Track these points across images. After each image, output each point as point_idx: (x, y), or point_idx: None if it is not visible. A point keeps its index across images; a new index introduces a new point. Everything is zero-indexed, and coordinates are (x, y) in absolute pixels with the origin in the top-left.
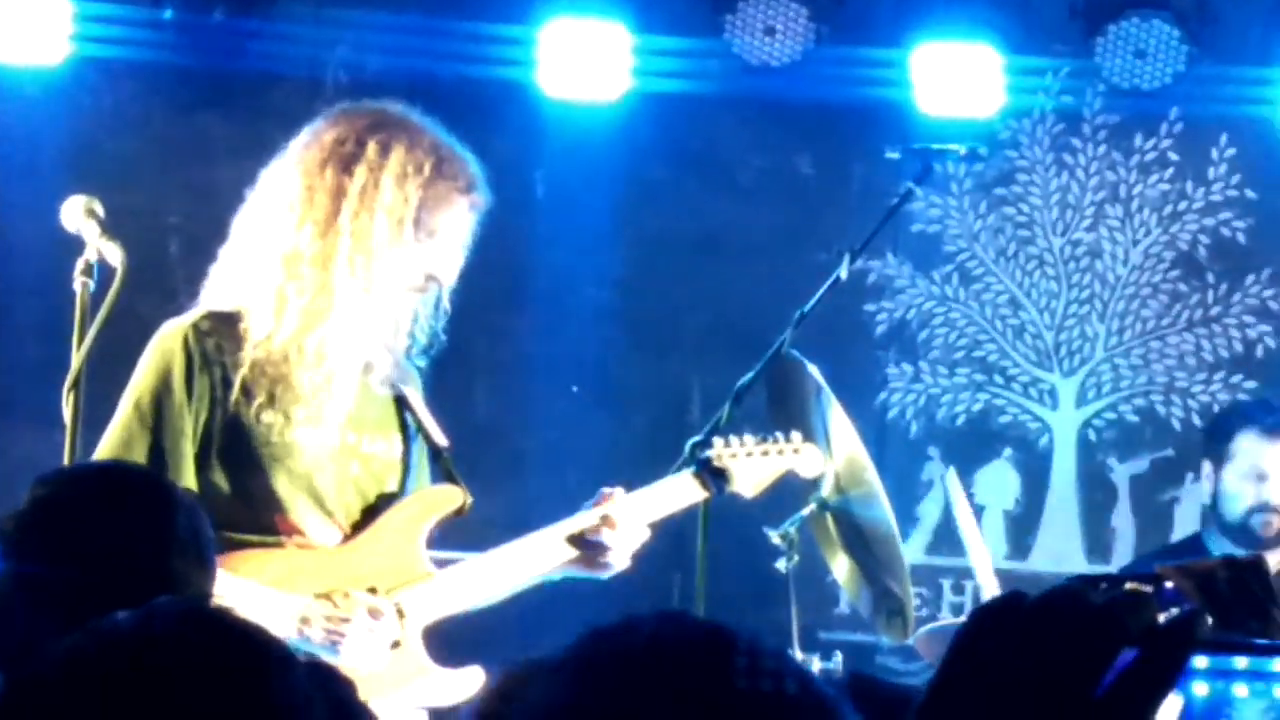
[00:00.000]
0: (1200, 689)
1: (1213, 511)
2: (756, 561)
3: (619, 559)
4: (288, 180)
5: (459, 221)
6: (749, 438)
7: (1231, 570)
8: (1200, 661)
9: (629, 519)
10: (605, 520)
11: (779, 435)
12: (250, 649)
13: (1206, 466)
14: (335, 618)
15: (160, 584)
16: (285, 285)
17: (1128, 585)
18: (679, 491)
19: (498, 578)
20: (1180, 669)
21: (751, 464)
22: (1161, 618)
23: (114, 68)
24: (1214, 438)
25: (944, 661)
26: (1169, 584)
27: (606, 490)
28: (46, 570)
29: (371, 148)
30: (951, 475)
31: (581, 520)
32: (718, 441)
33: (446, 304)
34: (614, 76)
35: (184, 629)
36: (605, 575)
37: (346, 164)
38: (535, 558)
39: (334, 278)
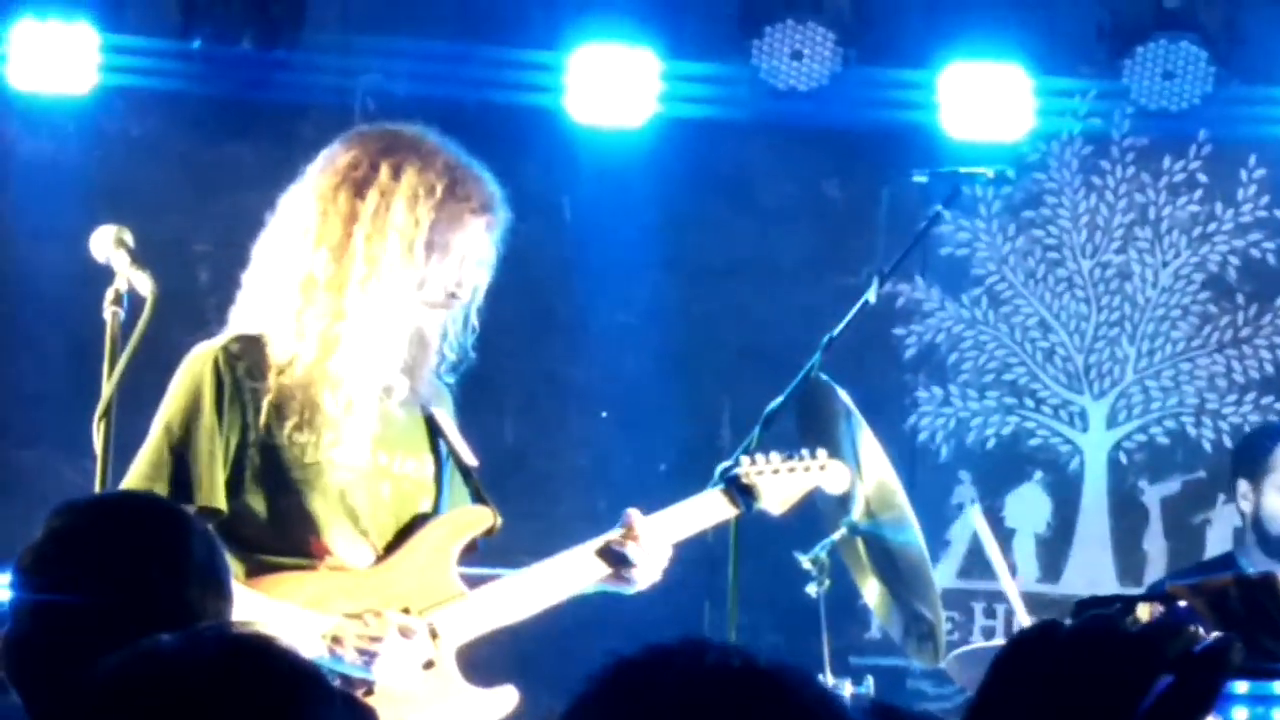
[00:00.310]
0: (1240, 714)
1: (1253, 529)
2: (787, 587)
3: (644, 574)
4: (304, 205)
5: (474, 240)
6: (775, 455)
7: (1243, 588)
8: (1241, 686)
9: (652, 534)
10: (628, 533)
11: (805, 452)
12: (290, 679)
13: (1243, 485)
14: (367, 636)
15: (176, 612)
16: (303, 310)
17: (1140, 605)
18: (707, 509)
19: (530, 596)
20: (1215, 695)
21: (779, 481)
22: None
23: (142, 98)
24: (1250, 456)
25: (981, 688)
26: (1181, 603)
27: (629, 511)
28: (63, 600)
29: (384, 170)
30: (975, 511)
31: (607, 537)
32: (744, 459)
33: (475, 321)
34: (642, 102)
35: (227, 656)
36: (631, 590)
37: (359, 188)
38: (565, 575)
39: (347, 301)
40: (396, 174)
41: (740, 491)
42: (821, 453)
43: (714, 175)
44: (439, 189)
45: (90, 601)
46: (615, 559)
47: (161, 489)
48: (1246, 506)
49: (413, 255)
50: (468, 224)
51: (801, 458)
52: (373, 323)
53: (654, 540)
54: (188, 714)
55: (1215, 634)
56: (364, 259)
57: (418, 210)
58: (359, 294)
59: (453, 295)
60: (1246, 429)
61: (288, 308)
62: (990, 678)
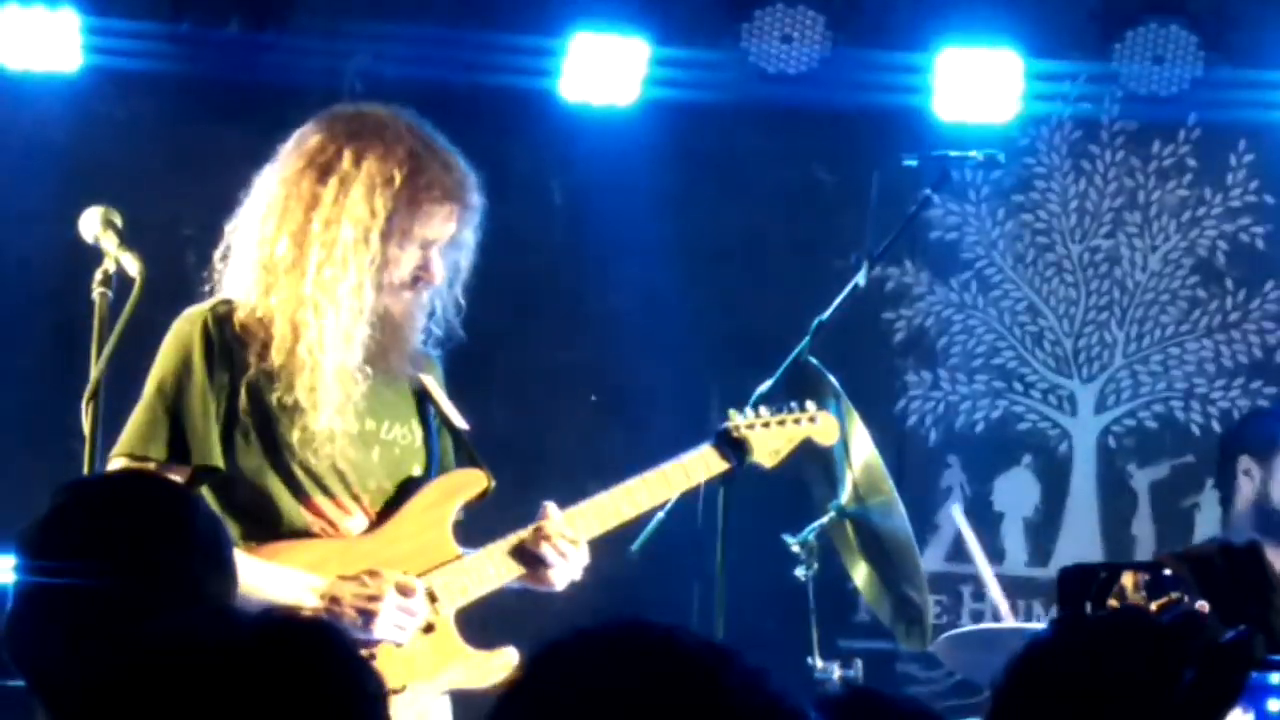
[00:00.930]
0: (1275, 705)
1: (1254, 508)
2: (776, 570)
3: (560, 575)
4: (271, 187)
5: (437, 228)
6: (764, 409)
7: (1228, 556)
8: (1277, 677)
9: (563, 531)
10: (538, 531)
11: (794, 405)
12: (346, 667)
13: (1245, 462)
14: (365, 595)
15: (182, 593)
16: (269, 292)
17: (1125, 573)
18: (699, 464)
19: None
20: (1241, 687)
21: (769, 434)
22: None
23: (130, 79)
24: (1262, 434)
25: (1006, 678)
26: (1167, 571)
27: (545, 505)
28: (68, 582)
29: (346, 157)
30: (956, 511)
31: (520, 535)
32: (734, 414)
33: (462, 300)
34: (631, 85)
35: (283, 637)
36: (550, 590)
37: (322, 173)
38: (492, 567)
39: (306, 286)
40: (358, 161)
41: (731, 446)
42: (810, 405)
43: (704, 158)
44: (398, 177)
45: (96, 583)
46: (528, 559)
47: (157, 449)
48: (1248, 485)
49: (368, 244)
50: (429, 212)
51: (791, 410)
52: (332, 307)
53: (566, 539)
54: (242, 695)
55: (1180, 594)
56: (321, 245)
57: (374, 200)
58: (317, 279)
59: (418, 279)
60: (1236, 414)
61: (258, 287)
62: (1018, 668)
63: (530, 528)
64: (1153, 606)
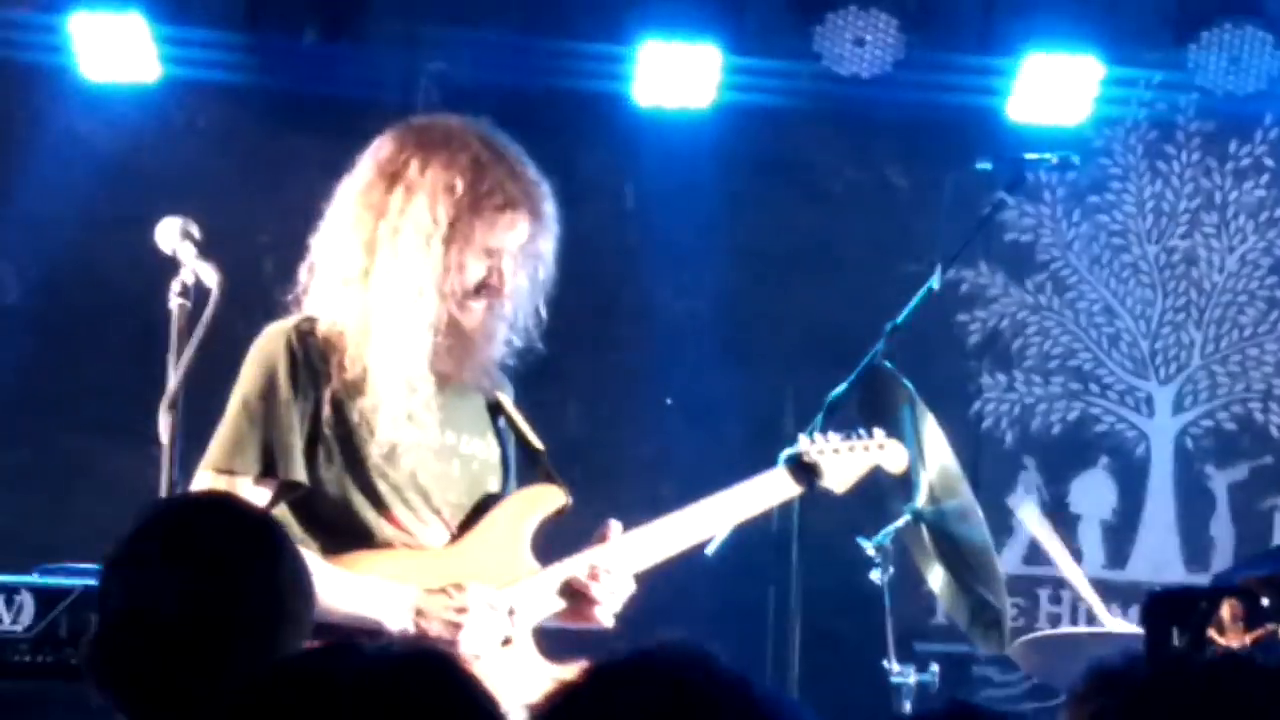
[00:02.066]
0: None
1: None
2: (851, 573)
3: (605, 613)
4: (345, 200)
5: (501, 236)
6: (834, 435)
7: None
8: None
9: (617, 568)
10: (591, 572)
11: (863, 432)
12: (471, 700)
13: None
14: (453, 608)
15: (266, 622)
16: (343, 301)
17: (1224, 604)
18: (772, 487)
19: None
20: None
21: (840, 460)
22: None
23: (207, 89)
24: None
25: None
26: (1265, 600)
27: (610, 524)
28: (154, 606)
29: (413, 165)
30: (1025, 509)
31: (570, 569)
32: (804, 439)
33: (543, 312)
34: (705, 89)
35: (413, 669)
36: (589, 626)
37: (390, 183)
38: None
39: (374, 294)
40: (423, 170)
41: (802, 470)
42: (879, 432)
43: (777, 162)
44: (460, 184)
45: (182, 609)
46: (575, 596)
47: (244, 464)
48: None
49: (429, 249)
50: (491, 219)
51: (860, 437)
52: (396, 315)
53: (618, 576)
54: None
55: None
56: (387, 253)
57: (437, 208)
58: (382, 287)
59: (484, 288)
60: None
61: (335, 300)
62: (1124, 711)
63: (584, 561)
64: (1247, 639)
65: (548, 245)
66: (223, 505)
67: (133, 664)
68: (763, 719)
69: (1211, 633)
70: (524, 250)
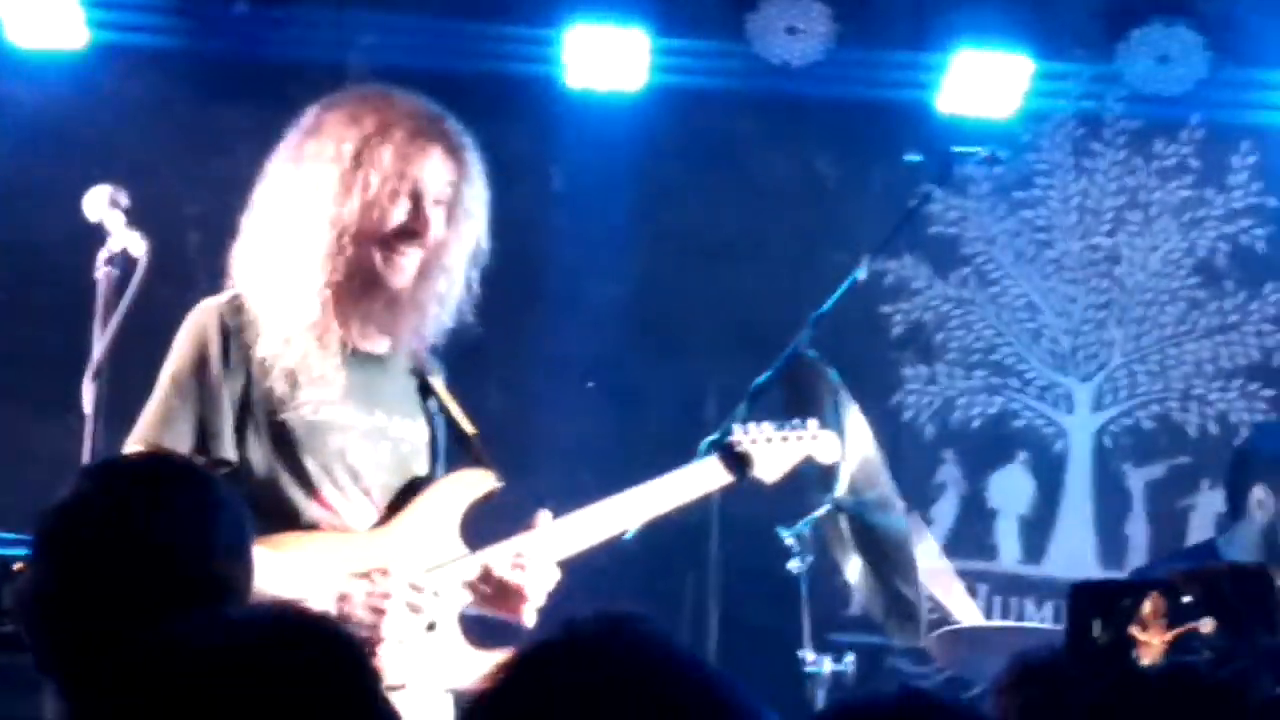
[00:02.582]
0: None
1: (1263, 537)
2: (769, 562)
3: (530, 609)
4: (270, 169)
5: (417, 165)
6: (768, 425)
7: (1238, 578)
8: None
9: (543, 560)
10: (516, 561)
11: (796, 422)
12: (351, 663)
13: (1260, 491)
14: (377, 594)
15: (201, 580)
16: (269, 281)
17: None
18: (703, 476)
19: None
20: None
21: (772, 450)
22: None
23: (136, 56)
24: (1275, 465)
25: None
26: (1186, 598)
27: (540, 513)
28: (90, 565)
29: (320, 118)
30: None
31: (492, 556)
32: (737, 429)
33: (476, 287)
34: (635, 73)
35: (290, 633)
36: (510, 619)
37: (303, 138)
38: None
39: (290, 267)
40: (328, 115)
41: (734, 460)
42: (813, 423)
43: (706, 149)
44: (368, 120)
45: (116, 568)
46: (497, 585)
47: (171, 440)
48: (1260, 514)
49: (335, 180)
50: (404, 148)
51: (794, 427)
52: (314, 280)
53: (541, 566)
54: (252, 689)
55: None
56: (297, 203)
57: (344, 143)
58: (297, 255)
59: (407, 232)
60: (1232, 416)
61: (261, 276)
62: (1050, 700)
63: (508, 549)
64: (1167, 636)
65: (477, 206)
66: (162, 469)
67: (60, 629)
68: (704, 682)
69: (1133, 630)
70: (450, 201)
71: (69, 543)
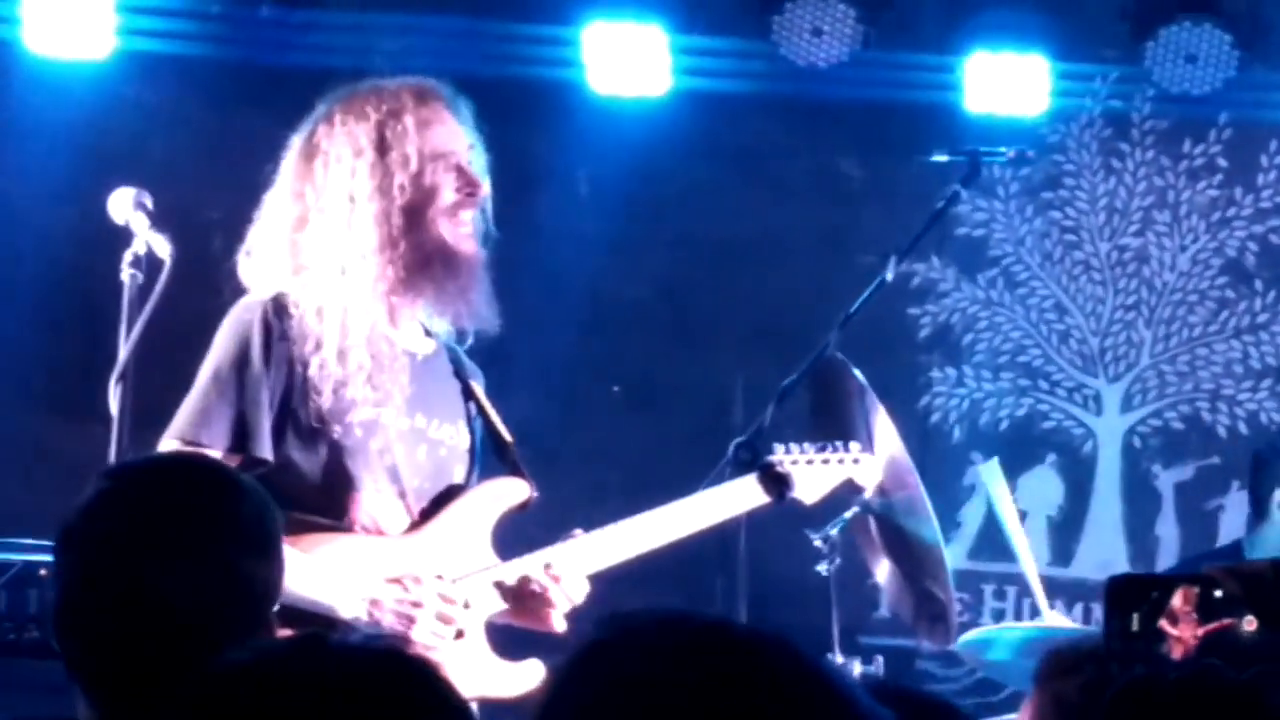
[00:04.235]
0: None
1: None
2: (798, 564)
3: (559, 618)
4: (280, 174)
5: (443, 138)
6: (809, 446)
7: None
8: None
9: (575, 573)
10: (549, 571)
11: (838, 444)
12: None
13: None
14: (407, 601)
15: (226, 580)
16: (303, 274)
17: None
18: (741, 495)
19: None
20: None
21: (813, 472)
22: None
23: (160, 62)
24: None
25: None
26: (1218, 592)
27: (575, 534)
28: (112, 568)
29: (321, 128)
30: (988, 467)
31: (525, 566)
32: (779, 448)
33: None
34: (660, 77)
35: (383, 666)
36: (539, 629)
37: (309, 155)
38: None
39: (327, 253)
40: (330, 121)
41: (774, 480)
42: (854, 445)
43: (732, 151)
44: (369, 110)
45: (140, 570)
46: (527, 595)
47: (208, 438)
48: None
49: (377, 181)
50: (417, 121)
51: (835, 449)
52: (375, 270)
53: (572, 578)
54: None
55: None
56: (332, 215)
57: (358, 139)
58: (339, 252)
59: (465, 193)
60: (1263, 416)
61: (299, 276)
62: (1088, 691)
63: (539, 560)
64: (1200, 631)
65: (475, 152)
66: (184, 468)
67: (89, 632)
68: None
69: (1164, 623)
70: (470, 151)
71: (89, 544)
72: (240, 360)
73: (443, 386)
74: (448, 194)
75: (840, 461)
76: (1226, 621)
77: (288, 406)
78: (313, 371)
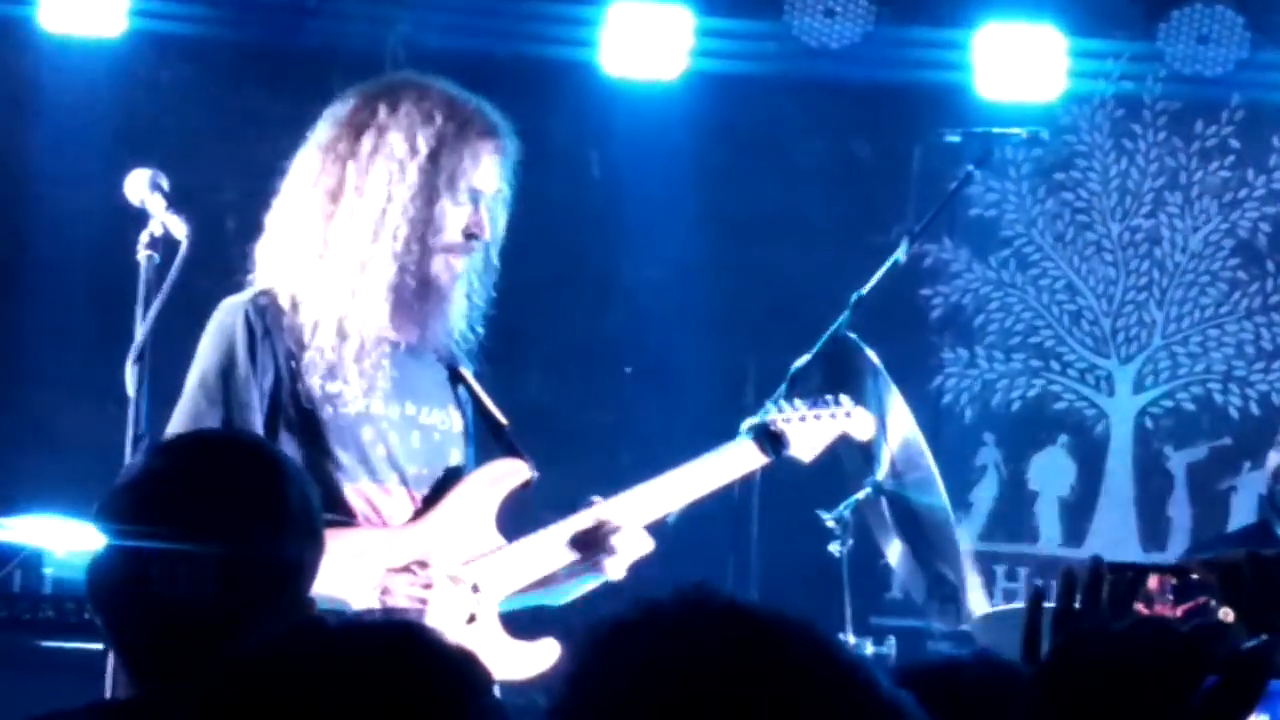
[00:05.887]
0: None
1: None
2: (810, 545)
3: (621, 565)
4: (307, 160)
5: (481, 168)
6: (801, 403)
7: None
8: None
9: (633, 520)
10: (604, 524)
11: (829, 399)
12: (458, 670)
13: None
14: (418, 585)
15: (272, 561)
16: (312, 262)
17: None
18: (739, 458)
19: (558, 551)
20: (1259, 693)
21: (807, 428)
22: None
23: (172, 43)
24: None
25: (1030, 688)
26: (1194, 575)
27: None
28: (159, 546)
29: (381, 109)
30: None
31: (581, 523)
32: (771, 408)
33: (495, 261)
34: (673, 57)
35: (397, 641)
36: (603, 576)
37: (358, 131)
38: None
39: (333, 257)
40: (393, 109)
41: (769, 439)
42: (846, 400)
43: (745, 132)
44: (438, 115)
45: (186, 547)
46: (589, 547)
47: None
48: None
49: (404, 181)
50: (476, 151)
51: (827, 404)
52: (380, 260)
53: (632, 529)
54: (352, 696)
55: (1259, 638)
56: (361, 193)
57: (417, 138)
58: (344, 244)
59: (471, 236)
60: (1275, 397)
61: (299, 261)
62: (1041, 678)
63: (589, 514)
64: (1178, 612)
65: (507, 190)
66: (231, 447)
67: (133, 610)
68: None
69: (1140, 606)
70: (496, 196)
71: (137, 521)
72: (226, 364)
73: (428, 373)
74: (459, 227)
75: (833, 416)
76: (1203, 600)
77: (278, 402)
78: (301, 367)
